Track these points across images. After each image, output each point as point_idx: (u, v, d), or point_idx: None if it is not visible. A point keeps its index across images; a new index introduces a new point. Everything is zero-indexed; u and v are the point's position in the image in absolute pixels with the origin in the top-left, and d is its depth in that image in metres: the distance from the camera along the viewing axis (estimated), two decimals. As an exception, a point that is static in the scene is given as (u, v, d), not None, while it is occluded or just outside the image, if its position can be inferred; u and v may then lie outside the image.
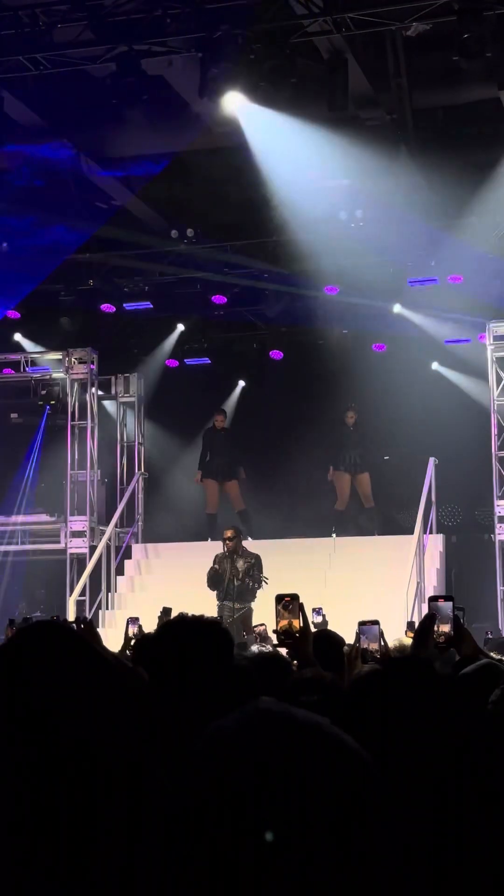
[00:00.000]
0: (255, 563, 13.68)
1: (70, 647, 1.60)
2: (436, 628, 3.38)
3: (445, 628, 3.40)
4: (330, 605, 11.53)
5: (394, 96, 11.95)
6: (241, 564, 13.64)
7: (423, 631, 3.38)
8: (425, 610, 3.69)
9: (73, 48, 11.31)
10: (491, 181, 14.19)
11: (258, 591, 13.61)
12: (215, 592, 13.78)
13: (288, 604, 3.97)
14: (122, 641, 7.17)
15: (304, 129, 12.22)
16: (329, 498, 17.02)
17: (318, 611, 10.83)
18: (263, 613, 12.80)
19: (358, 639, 4.08)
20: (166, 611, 10.77)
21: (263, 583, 13.61)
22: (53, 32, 11.31)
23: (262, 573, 13.64)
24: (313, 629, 4.87)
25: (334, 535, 16.62)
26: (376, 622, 3.99)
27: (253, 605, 13.54)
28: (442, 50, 10.61)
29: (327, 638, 5.74)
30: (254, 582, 13.59)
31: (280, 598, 4.01)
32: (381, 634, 4.01)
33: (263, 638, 11.29)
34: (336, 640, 5.75)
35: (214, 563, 13.78)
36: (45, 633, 1.63)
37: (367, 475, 16.82)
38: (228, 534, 13.81)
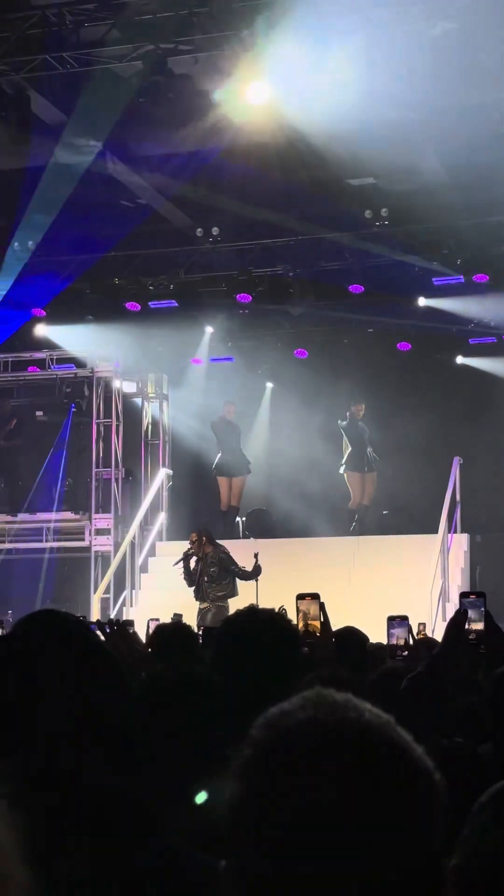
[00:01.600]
0: (225, 558, 13.71)
1: (70, 633, 1.66)
2: (467, 626, 3.34)
3: (477, 626, 3.35)
4: (353, 604, 11.54)
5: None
6: (209, 563, 13.68)
7: (454, 627, 3.35)
8: (450, 609, 3.68)
9: (99, 47, 11.35)
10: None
11: (244, 583, 13.59)
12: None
13: (309, 603, 3.95)
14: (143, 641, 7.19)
15: (331, 125, 12.20)
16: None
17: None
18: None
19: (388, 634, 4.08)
20: (177, 617, 10.85)
21: (246, 570, 13.56)
22: (80, 32, 11.35)
23: (232, 565, 13.65)
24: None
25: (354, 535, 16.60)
26: (405, 618, 3.99)
27: (231, 601, 13.50)
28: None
29: (351, 635, 5.73)
30: (230, 574, 13.58)
31: (301, 598, 4.00)
32: (410, 630, 4.01)
33: None
34: (360, 637, 5.74)
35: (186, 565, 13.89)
36: (48, 619, 1.69)
37: (375, 474, 16.79)
38: (193, 537, 13.97)
